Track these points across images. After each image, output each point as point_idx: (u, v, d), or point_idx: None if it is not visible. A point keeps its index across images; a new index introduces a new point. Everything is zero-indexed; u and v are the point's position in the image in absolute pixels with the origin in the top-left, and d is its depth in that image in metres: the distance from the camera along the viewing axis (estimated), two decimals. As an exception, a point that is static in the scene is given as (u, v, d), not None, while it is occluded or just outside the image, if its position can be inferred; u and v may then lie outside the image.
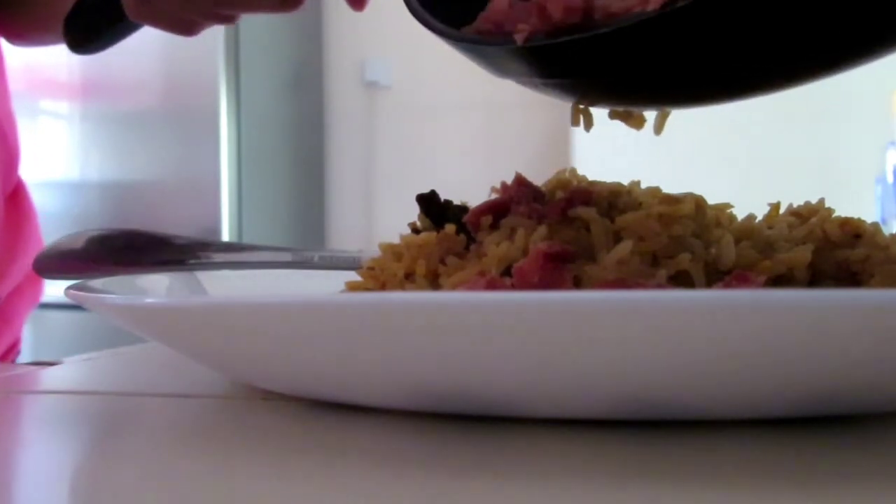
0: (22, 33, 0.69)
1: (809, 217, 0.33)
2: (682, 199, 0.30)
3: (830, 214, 0.32)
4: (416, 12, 0.33)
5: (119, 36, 0.56)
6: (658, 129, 0.32)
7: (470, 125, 2.29)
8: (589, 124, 0.32)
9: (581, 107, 0.32)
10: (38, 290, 0.71)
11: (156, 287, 0.41)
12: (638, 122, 0.32)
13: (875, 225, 0.31)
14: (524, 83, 0.33)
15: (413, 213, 0.35)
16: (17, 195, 0.69)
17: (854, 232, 0.30)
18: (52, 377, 0.37)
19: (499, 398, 0.24)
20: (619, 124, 0.33)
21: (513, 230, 0.30)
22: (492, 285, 0.27)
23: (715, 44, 0.28)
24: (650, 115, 0.33)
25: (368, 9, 0.49)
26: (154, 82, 2.02)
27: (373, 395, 0.26)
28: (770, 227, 0.32)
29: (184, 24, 0.51)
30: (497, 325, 0.21)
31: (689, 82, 0.30)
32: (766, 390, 0.22)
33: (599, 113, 0.33)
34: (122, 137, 2.07)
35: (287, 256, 0.45)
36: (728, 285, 0.27)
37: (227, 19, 0.51)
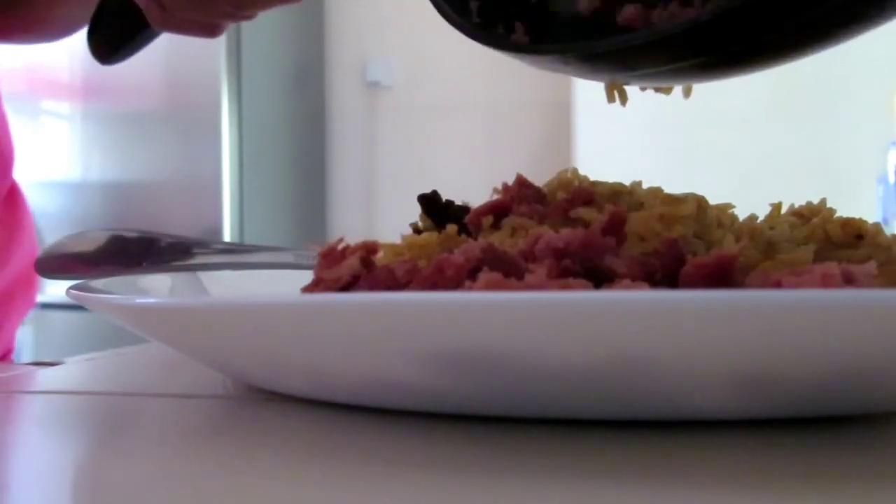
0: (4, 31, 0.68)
1: (811, 217, 0.33)
2: (684, 200, 0.30)
3: (832, 215, 0.32)
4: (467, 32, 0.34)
5: (144, 42, 0.57)
6: (687, 93, 0.35)
7: (472, 125, 2.29)
8: (624, 99, 0.34)
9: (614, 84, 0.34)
10: (31, 295, 0.69)
11: (157, 287, 0.41)
12: (667, 91, 0.36)
13: (877, 225, 0.31)
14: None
15: (414, 213, 0.35)
16: (11, 198, 0.68)
17: (856, 232, 0.30)
18: (53, 377, 0.37)
19: (499, 398, 0.23)
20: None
21: (514, 230, 0.30)
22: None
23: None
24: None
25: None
26: (155, 83, 2.02)
27: (373, 395, 0.26)
28: (772, 228, 0.32)
29: (206, 27, 0.53)
30: (496, 324, 0.21)
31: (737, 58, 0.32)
32: (765, 390, 0.22)
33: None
34: (123, 138, 2.07)
35: (289, 257, 0.45)
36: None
37: (246, 18, 0.53)
